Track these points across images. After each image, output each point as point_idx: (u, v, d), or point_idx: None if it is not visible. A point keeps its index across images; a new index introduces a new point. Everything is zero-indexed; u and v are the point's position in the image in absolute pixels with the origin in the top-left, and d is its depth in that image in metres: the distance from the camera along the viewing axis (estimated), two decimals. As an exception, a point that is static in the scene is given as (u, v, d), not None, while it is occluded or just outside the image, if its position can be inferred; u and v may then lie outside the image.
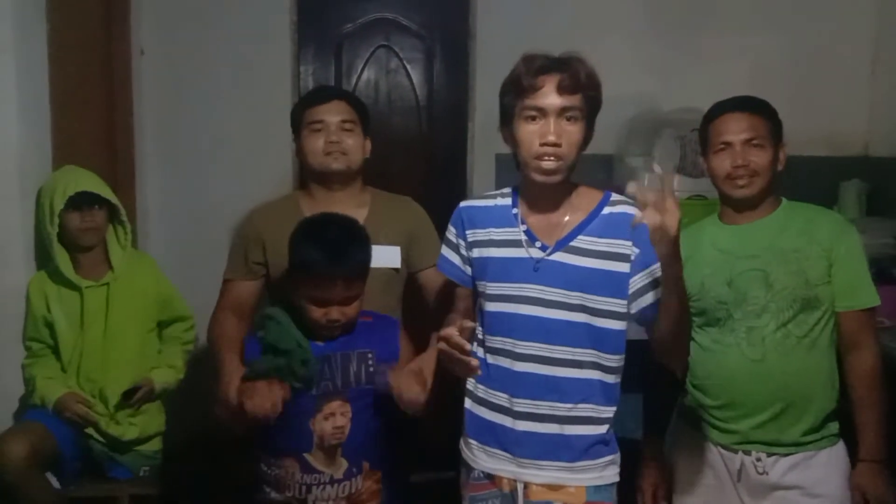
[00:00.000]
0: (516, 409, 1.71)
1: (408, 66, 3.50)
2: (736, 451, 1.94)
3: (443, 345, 1.60)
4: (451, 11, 3.47)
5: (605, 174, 3.32)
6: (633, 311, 1.69)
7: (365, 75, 3.49)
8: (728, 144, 1.92)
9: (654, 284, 1.66)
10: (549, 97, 1.64)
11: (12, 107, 2.41)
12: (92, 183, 2.46)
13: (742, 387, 1.91)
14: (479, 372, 1.67)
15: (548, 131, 1.64)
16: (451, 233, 1.87)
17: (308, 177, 2.27)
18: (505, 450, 1.74)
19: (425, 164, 3.53)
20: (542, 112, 1.64)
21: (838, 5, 3.45)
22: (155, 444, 2.54)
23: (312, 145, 2.17)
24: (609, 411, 1.73)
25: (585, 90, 1.65)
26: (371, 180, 2.33)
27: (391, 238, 2.18)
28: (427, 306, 2.27)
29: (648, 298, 1.66)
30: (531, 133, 1.65)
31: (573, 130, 1.65)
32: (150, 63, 3.29)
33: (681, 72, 3.37)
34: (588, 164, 3.17)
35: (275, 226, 2.14)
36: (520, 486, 1.72)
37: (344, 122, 2.17)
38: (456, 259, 1.86)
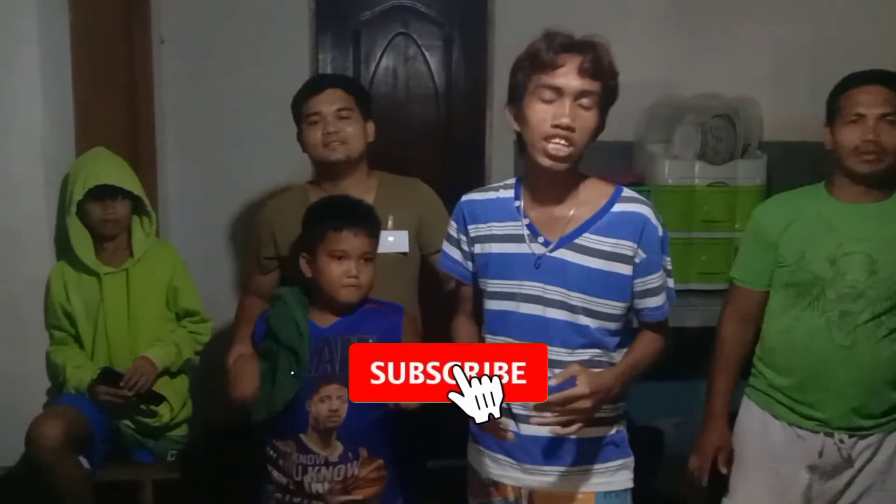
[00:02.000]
0: (514, 410, 1.62)
1: (426, 54, 3.49)
2: (817, 433, 1.93)
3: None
4: (469, -2, 3.46)
5: (625, 161, 3.31)
6: (634, 307, 1.65)
7: (383, 63, 3.48)
8: (861, 116, 1.87)
9: (656, 290, 1.64)
10: (569, 77, 1.52)
11: (36, 97, 2.43)
12: (115, 174, 2.44)
13: (829, 372, 1.89)
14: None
15: (562, 113, 1.52)
16: (452, 228, 1.77)
17: (314, 167, 2.30)
18: (509, 455, 1.66)
19: (443, 152, 3.52)
20: (559, 92, 1.53)
21: (863, -10, 3.40)
22: (183, 430, 2.57)
23: (312, 137, 2.18)
24: (618, 409, 1.67)
25: (606, 78, 1.55)
26: (388, 168, 2.33)
27: (400, 222, 2.19)
28: (443, 289, 2.27)
29: (647, 303, 1.64)
30: (543, 112, 1.53)
31: (587, 117, 1.54)
32: (170, 52, 3.31)
33: (702, 58, 3.33)
34: (607, 152, 3.21)
35: (284, 218, 2.17)
36: (524, 493, 1.66)
37: (340, 110, 2.17)
38: (457, 255, 1.76)
